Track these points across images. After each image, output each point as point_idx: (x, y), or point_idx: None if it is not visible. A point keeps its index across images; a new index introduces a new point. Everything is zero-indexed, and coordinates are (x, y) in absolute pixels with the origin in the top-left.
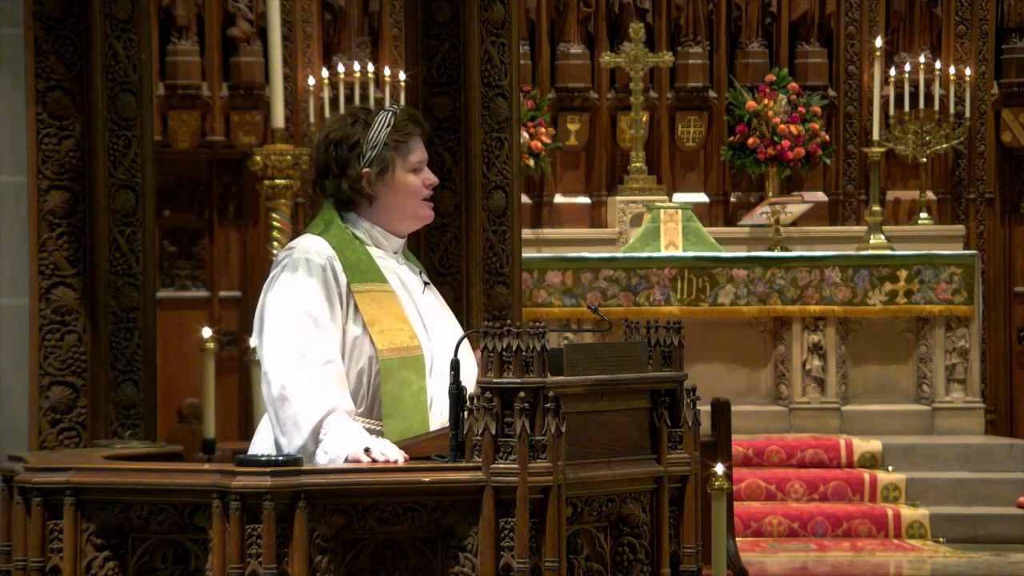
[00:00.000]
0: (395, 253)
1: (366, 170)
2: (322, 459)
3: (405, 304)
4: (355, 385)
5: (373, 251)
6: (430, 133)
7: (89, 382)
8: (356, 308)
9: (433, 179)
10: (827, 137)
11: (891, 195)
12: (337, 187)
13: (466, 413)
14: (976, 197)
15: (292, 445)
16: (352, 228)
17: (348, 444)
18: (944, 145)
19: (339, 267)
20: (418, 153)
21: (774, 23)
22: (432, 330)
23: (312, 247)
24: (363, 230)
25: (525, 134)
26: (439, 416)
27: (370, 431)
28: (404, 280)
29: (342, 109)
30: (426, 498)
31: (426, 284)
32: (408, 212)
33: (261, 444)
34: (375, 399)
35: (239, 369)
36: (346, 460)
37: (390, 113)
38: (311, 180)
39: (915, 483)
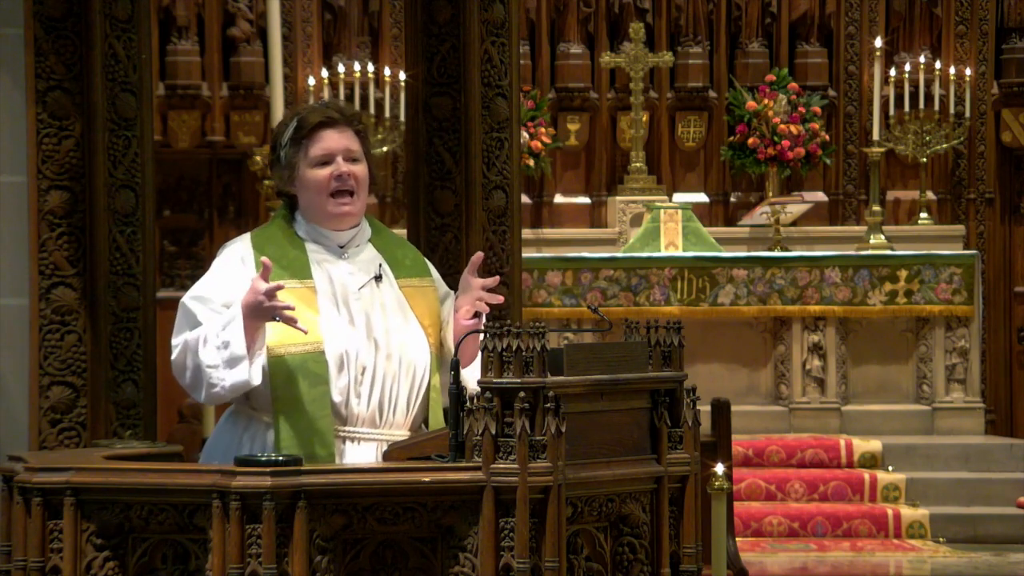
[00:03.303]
0: (340, 247)
1: (282, 173)
2: (218, 355)
3: (324, 301)
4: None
5: (311, 247)
6: (354, 120)
7: (89, 382)
8: None
9: (343, 168)
10: (827, 137)
11: (891, 195)
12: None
13: (466, 413)
14: (976, 197)
15: (199, 379)
16: (296, 226)
17: (228, 323)
18: (944, 145)
19: (252, 262)
20: (322, 144)
21: (774, 23)
22: (361, 326)
23: (232, 245)
24: (303, 228)
25: (525, 134)
26: (364, 412)
27: (268, 425)
28: (334, 277)
29: None
30: (426, 498)
31: (377, 278)
32: (318, 209)
33: (216, 445)
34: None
35: None
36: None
37: (304, 113)
38: None
39: (915, 483)
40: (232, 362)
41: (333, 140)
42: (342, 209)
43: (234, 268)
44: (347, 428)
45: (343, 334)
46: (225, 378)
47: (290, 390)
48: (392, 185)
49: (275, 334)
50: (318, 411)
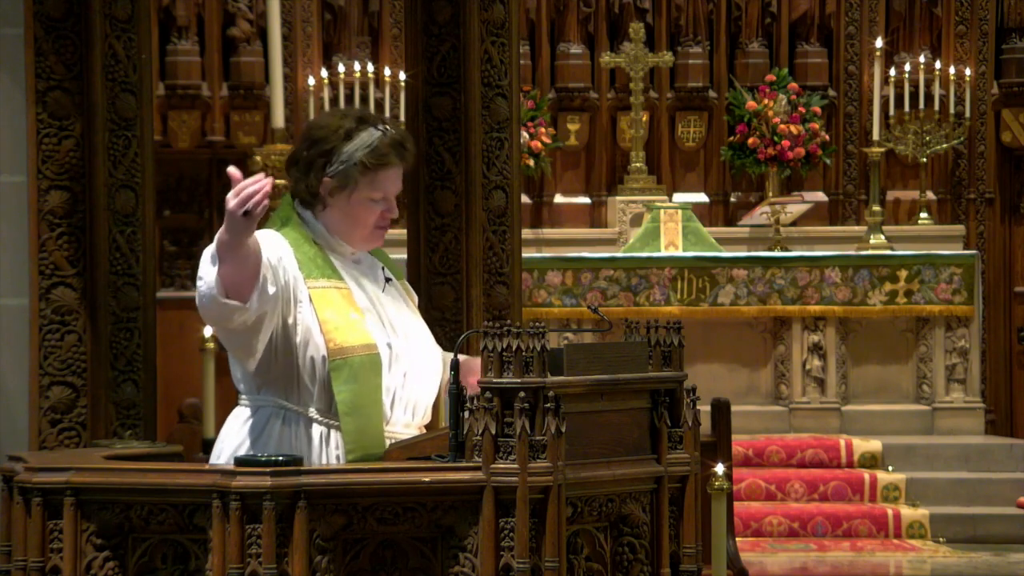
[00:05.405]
0: (352, 253)
1: (328, 179)
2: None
3: (361, 301)
4: (308, 375)
5: (328, 252)
6: (414, 159)
7: (89, 382)
8: (310, 299)
9: (392, 214)
10: (827, 137)
11: (891, 195)
12: (295, 183)
13: (466, 413)
14: (976, 197)
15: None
16: (308, 228)
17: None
18: (944, 145)
19: (293, 262)
20: (386, 187)
21: (774, 23)
22: (395, 327)
23: (267, 232)
24: (320, 236)
25: (525, 134)
26: (403, 413)
27: (328, 426)
28: (361, 280)
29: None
30: (426, 498)
31: (388, 281)
32: (352, 235)
33: (230, 444)
34: (331, 397)
35: None
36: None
37: (379, 134)
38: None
39: (915, 483)
40: (210, 260)
41: (394, 182)
42: (378, 240)
43: (276, 250)
44: (388, 428)
45: (383, 337)
46: (203, 275)
47: (352, 389)
48: None
49: (338, 336)
50: (376, 412)
